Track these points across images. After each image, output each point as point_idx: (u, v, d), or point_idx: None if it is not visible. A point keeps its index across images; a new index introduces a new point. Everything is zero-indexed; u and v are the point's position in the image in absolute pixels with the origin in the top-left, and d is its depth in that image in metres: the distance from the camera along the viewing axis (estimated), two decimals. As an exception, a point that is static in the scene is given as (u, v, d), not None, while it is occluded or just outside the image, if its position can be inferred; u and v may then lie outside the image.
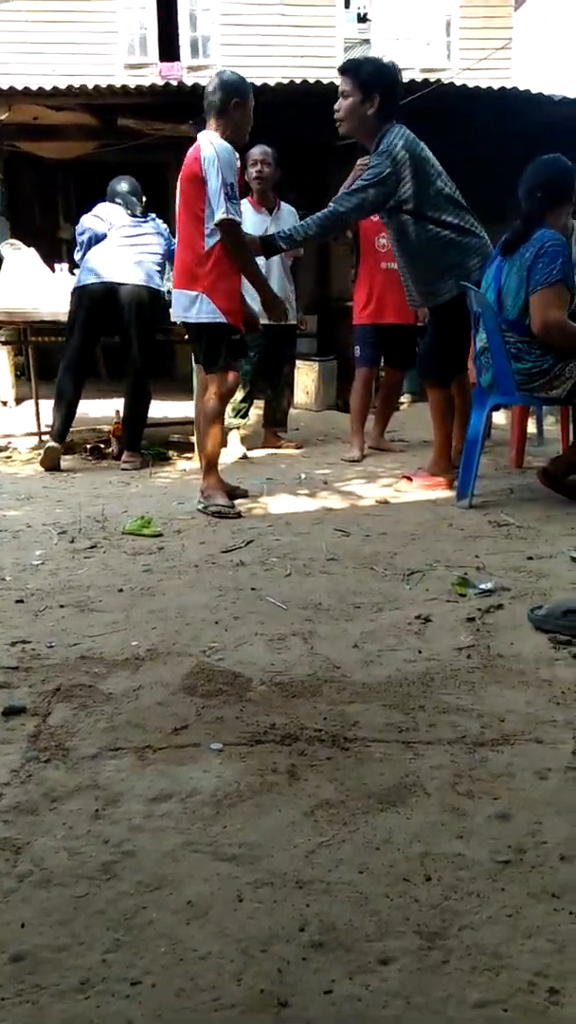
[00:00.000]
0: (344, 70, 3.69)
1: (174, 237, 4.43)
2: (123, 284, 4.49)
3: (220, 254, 3.47)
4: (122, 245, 4.61)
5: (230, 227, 3.41)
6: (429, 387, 4.00)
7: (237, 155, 3.51)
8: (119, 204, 4.77)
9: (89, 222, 4.72)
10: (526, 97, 7.04)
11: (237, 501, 3.60)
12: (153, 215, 4.87)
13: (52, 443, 4.53)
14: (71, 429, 4.74)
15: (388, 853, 1.23)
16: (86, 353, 4.68)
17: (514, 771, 1.44)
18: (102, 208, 4.76)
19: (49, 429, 4.71)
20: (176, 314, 3.76)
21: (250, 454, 5.00)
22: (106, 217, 4.70)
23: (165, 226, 4.84)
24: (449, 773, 1.44)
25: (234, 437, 5.10)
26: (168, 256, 4.66)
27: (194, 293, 3.54)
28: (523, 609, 2.21)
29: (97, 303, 4.51)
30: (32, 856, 1.23)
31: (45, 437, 5.33)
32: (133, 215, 4.73)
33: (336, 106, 3.68)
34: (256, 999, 0.97)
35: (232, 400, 5.05)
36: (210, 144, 3.43)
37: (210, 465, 3.65)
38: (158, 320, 4.66)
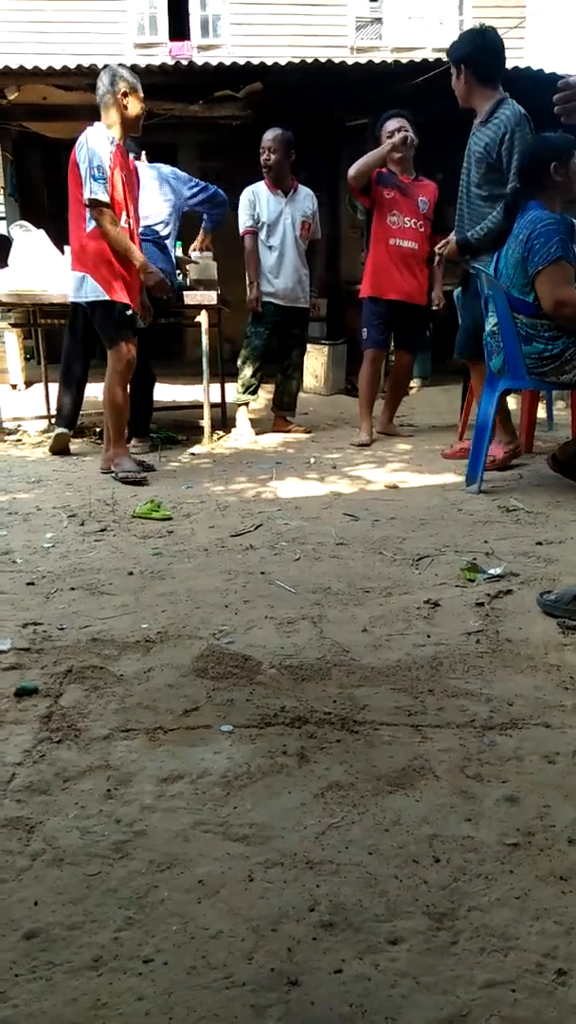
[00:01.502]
0: (449, 51, 3.97)
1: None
2: None
3: (99, 234, 3.70)
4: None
5: (94, 206, 3.66)
6: (472, 365, 4.08)
7: (113, 137, 3.72)
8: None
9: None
10: (539, 77, 6.95)
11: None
12: (159, 165, 4.76)
13: (61, 429, 4.53)
14: (80, 413, 4.73)
15: (397, 835, 1.23)
16: (89, 337, 4.66)
17: (522, 755, 1.45)
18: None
19: (56, 413, 4.70)
20: (69, 295, 3.98)
21: (259, 438, 5.00)
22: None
23: (171, 170, 4.75)
24: (458, 756, 1.44)
25: (242, 415, 5.09)
26: (180, 205, 4.65)
27: (81, 274, 3.79)
28: (532, 594, 2.21)
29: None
30: (45, 835, 1.25)
31: (55, 420, 5.33)
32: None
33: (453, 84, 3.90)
34: (266, 978, 0.98)
35: (242, 376, 5.06)
36: (86, 134, 3.68)
37: (116, 435, 3.89)
38: (161, 301, 4.63)
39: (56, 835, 1.25)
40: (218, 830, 1.25)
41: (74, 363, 4.47)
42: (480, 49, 3.82)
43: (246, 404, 5.15)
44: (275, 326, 5.04)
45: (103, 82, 3.76)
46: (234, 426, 5.20)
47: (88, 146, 3.66)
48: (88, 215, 3.69)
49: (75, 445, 4.78)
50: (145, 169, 4.61)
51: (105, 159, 3.66)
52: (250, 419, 5.16)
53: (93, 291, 3.76)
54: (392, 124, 4.69)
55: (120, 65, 3.87)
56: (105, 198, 3.65)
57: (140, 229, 4.46)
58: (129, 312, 3.81)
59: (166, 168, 4.73)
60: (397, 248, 4.70)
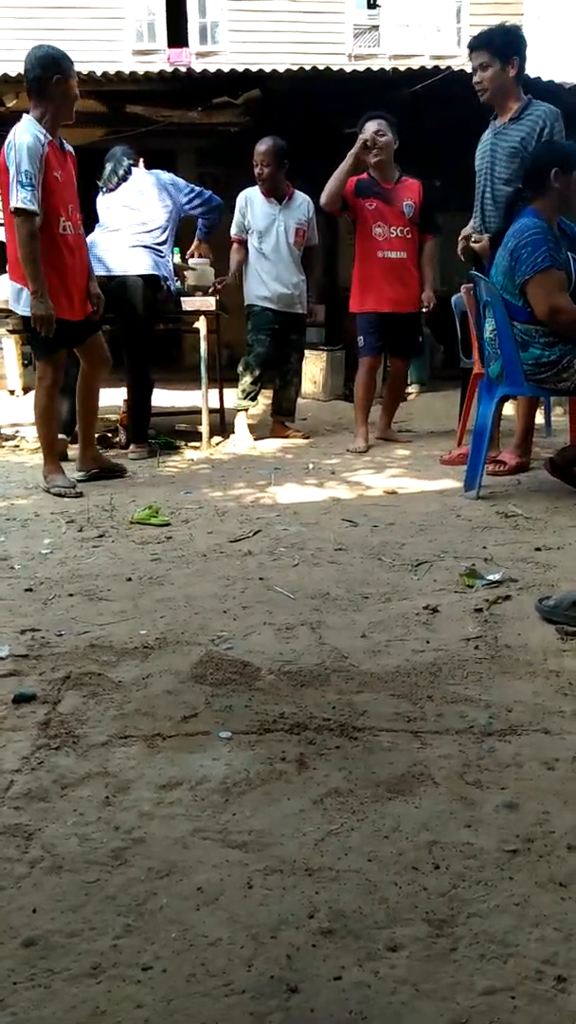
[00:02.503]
0: (483, 44, 3.81)
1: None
2: (120, 275, 4.39)
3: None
4: (115, 229, 4.45)
5: (17, 215, 3.39)
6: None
7: (43, 137, 3.42)
8: (105, 178, 4.57)
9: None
10: (537, 85, 6.98)
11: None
12: (158, 172, 4.66)
13: (59, 435, 4.52)
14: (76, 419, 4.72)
15: (397, 841, 1.23)
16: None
17: (522, 761, 1.45)
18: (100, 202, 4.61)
19: None
20: (10, 305, 3.80)
21: (258, 444, 5.00)
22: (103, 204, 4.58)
23: (169, 177, 4.65)
24: (457, 763, 1.44)
25: (241, 421, 5.09)
26: (177, 212, 4.58)
27: (19, 285, 3.59)
28: (531, 600, 2.21)
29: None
30: (43, 842, 1.24)
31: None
32: (121, 179, 4.51)
33: (476, 79, 3.81)
34: (266, 985, 0.97)
35: (242, 382, 5.05)
36: (14, 132, 3.41)
37: (46, 451, 3.77)
38: (159, 307, 4.61)
39: (55, 842, 1.24)
40: (217, 837, 1.25)
41: (68, 369, 4.47)
42: (525, 46, 3.81)
43: (245, 410, 5.15)
44: (274, 332, 5.05)
45: (32, 65, 3.39)
46: (233, 432, 5.20)
47: (16, 148, 3.36)
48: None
49: (73, 450, 4.78)
50: (143, 176, 4.60)
51: (35, 162, 3.36)
52: (248, 424, 5.16)
53: (27, 305, 3.53)
54: (370, 127, 4.56)
55: (50, 46, 3.51)
56: (31, 206, 3.36)
57: (137, 233, 4.44)
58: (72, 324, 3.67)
59: (165, 175, 4.72)
60: (386, 261, 4.67)
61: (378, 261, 4.68)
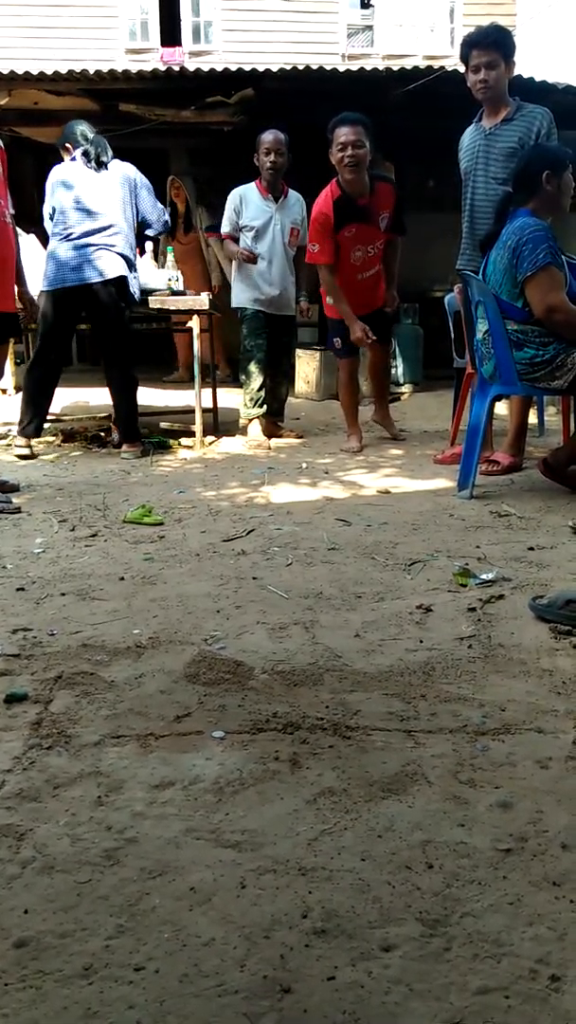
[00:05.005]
0: (492, 42, 3.75)
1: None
2: (93, 282, 4.32)
3: None
4: (85, 233, 4.32)
5: None
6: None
7: None
8: (81, 149, 4.40)
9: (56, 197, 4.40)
10: (530, 85, 6.99)
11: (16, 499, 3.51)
12: (128, 171, 4.51)
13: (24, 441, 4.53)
14: (71, 417, 4.72)
15: (390, 841, 1.23)
16: (61, 352, 4.59)
17: (515, 760, 1.45)
18: (66, 171, 4.43)
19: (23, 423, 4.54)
20: None
21: (260, 444, 4.94)
22: (71, 180, 4.40)
23: (134, 175, 4.49)
24: (450, 762, 1.44)
25: (255, 427, 5.06)
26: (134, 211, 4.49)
27: None
28: (524, 599, 2.21)
29: (68, 304, 4.39)
30: (35, 843, 1.24)
31: (46, 425, 5.31)
32: (99, 165, 4.41)
33: (482, 77, 3.74)
34: (259, 985, 0.97)
35: (248, 389, 5.01)
36: None
37: None
38: (133, 303, 4.56)
39: (47, 842, 1.24)
40: (210, 837, 1.24)
41: (33, 372, 4.54)
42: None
43: (257, 418, 5.09)
44: (268, 335, 5.02)
45: None
46: (232, 434, 5.20)
47: None
48: None
49: (67, 449, 4.78)
50: (116, 170, 4.47)
51: None
52: (244, 425, 5.14)
53: None
54: (345, 134, 4.23)
55: None
56: None
57: (106, 236, 4.31)
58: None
59: (134, 173, 4.52)
60: (363, 281, 4.61)
61: (356, 283, 4.59)
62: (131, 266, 4.48)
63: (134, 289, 4.50)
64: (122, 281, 4.41)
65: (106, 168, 4.43)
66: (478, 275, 3.56)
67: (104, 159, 4.43)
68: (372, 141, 4.31)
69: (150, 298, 4.82)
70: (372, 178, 4.44)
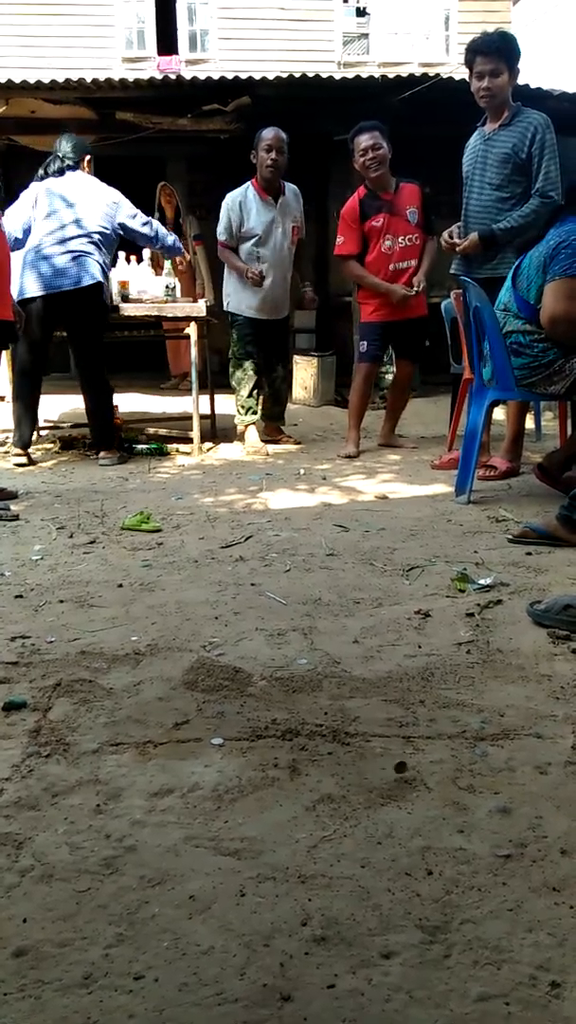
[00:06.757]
0: (496, 49, 3.78)
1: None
2: (63, 291, 4.33)
3: None
4: (53, 243, 4.34)
5: None
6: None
7: None
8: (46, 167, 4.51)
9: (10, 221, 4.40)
10: (526, 92, 7.02)
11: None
12: (102, 187, 4.55)
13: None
14: (70, 424, 4.72)
15: (389, 848, 1.23)
16: (40, 359, 4.58)
17: (514, 766, 1.45)
18: (38, 186, 4.50)
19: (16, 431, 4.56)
20: None
21: (247, 448, 4.95)
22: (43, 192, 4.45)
23: (113, 194, 4.52)
24: (450, 768, 1.44)
25: (253, 433, 5.06)
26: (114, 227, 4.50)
27: None
28: (522, 604, 2.21)
29: (46, 312, 4.40)
30: (34, 851, 1.23)
31: (43, 432, 5.32)
32: (59, 171, 4.45)
33: (485, 85, 3.78)
34: (259, 993, 0.97)
35: (240, 398, 5.02)
36: None
37: None
38: (105, 309, 4.59)
39: (45, 851, 1.23)
40: (209, 844, 1.24)
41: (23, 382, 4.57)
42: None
43: (254, 424, 5.09)
44: (259, 341, 5.01)
45: None
46: (230, 440, 5.20)
47: None
48: None
49: (65, 456, 4.78)
50: (85, 180, 4.53)
51: None
52: (242, 432, 5.14)
53: None
54: (364, 140, 4.50)
55: None
56: None
57: (78, 242, 4.33)
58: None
59: (108, 192, 4.54)
60: (397, 272, 4.65)
61: (391, 274, 4.66)
62: (105, 274, 4.49)
63: (107, 296, 4.53)
64: (98, 288, 4.42)
65: (72, 171, 4.47)
66: (471, 280, 3.56)
67: (54, 166, 4.48)
68: (388, 141, 4.55)
69: (147, 304, 4.83)
70: (398, 181, 4.68)
